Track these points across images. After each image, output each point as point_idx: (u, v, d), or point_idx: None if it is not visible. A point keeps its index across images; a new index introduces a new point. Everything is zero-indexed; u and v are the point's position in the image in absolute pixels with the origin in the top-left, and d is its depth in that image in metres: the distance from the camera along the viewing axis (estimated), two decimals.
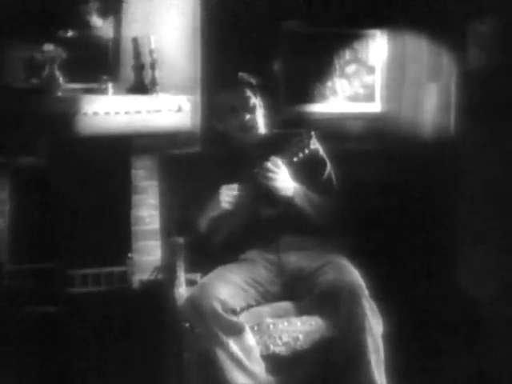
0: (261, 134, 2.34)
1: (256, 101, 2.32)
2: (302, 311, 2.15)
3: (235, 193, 2.19)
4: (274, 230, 2.26)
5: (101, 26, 3.18)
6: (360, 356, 2.00)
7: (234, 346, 2.00)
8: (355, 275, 2.13)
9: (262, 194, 2.20)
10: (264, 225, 2.26)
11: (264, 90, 2.37)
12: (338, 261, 2.21)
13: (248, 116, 2.30)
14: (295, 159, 2.16)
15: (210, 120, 2.63)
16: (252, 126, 2.31)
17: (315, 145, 2.23)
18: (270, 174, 2.15)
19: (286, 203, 2.21)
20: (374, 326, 2.03)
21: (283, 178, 2.17)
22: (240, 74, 2.37)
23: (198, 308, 2.01)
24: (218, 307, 2.00)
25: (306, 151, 2.14)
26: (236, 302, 2.07)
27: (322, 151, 2.35)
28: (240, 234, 2.23)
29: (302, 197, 2.22)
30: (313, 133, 2.16)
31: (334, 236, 2.32)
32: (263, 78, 2.41)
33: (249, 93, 2.32)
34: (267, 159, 2.17)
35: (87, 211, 3.23)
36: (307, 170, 2.23)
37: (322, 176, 2.34)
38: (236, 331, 2.02)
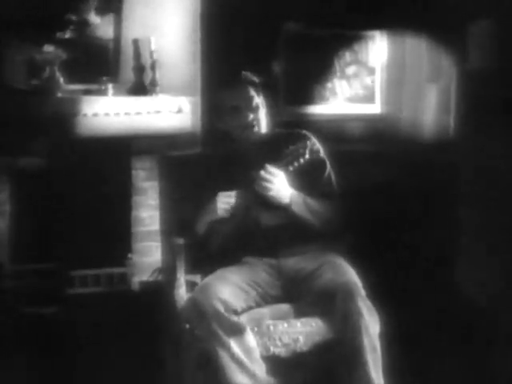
0: (263, 134, 2.34)
1: (259, 100, 2.32)
2: (301, 313, 2.15)
3: (232, 200, 2.20)
4: (273, 237, 2.26)
5: (100, 24, 3.17)
6: (357, 356, 2.01)
7: (235, 346, 2.00)
8: (351, 275, 2.13)
9: (259, 201, 2.20)
10: (262, 232, 2.26)
11: (266, 90, 2.37)
12: (335, 261, 2.22)
13: (251, 115, 2.30)
14: (291, 168, 2.16)
15: (212, 119, 2.62)
16: (255, 126, 2.30)
17: (316, 145, 2.24)
18: (266, 184, 2.16)
19: (284, 210, 2.22)
20: (371, 325, 2.02)
21: (279, 187, 2.17)
22: (243, 73, 2.36)
23: (200, 308, 2.02)
24: (221, 307, 2.01)
25: (302, 161, 2.14)
26: (237, 303, 2.08)
27: (322, 152, 2.35)
28: (237, 240, 2.23)
29: (299, 204, 2.22)
30: (308, 143, 2.17)
31: (333, 238, 2.32)
32: (265, 78, 2.41)
33: (252, 92, 2.31)
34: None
35: (87, 212, 3.23)
36: (305, 175, 2.22)
37: (322, 178, 2.34)
38: (237, 331, 2.03)
